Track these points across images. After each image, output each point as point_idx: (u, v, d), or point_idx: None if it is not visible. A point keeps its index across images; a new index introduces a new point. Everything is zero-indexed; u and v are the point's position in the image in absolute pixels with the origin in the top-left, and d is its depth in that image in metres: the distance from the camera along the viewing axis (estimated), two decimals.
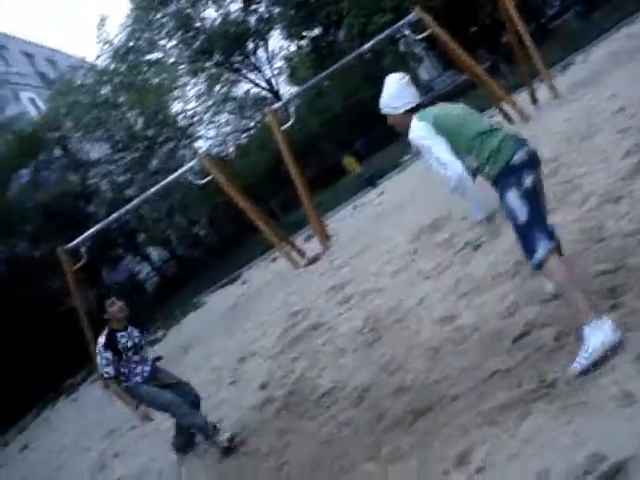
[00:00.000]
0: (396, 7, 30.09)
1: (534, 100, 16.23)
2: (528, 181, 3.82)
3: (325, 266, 12.23)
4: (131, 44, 39.17)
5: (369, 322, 6.85)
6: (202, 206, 38.48)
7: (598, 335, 3.54)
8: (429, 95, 32.61)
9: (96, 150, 38.81)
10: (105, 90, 35.94)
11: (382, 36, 16.88)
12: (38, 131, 31.30)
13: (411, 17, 15.58)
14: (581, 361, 3.56)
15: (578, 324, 3.70)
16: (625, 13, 22.39)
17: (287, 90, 47.12)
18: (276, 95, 43.92)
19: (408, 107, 4.18)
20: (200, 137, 45.38)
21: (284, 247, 14.76)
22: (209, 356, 10.98)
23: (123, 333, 6.14)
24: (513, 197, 3.81)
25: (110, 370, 5.96)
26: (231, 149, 49.24)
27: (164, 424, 8.47)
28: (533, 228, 3.78)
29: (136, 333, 6.30)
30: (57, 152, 36.45)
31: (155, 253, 42.56)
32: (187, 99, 43.68)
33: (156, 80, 38.09)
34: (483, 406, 3.82)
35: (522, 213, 3.78)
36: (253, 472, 5.24)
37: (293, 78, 48.81)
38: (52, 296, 30.42)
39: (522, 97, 17.63)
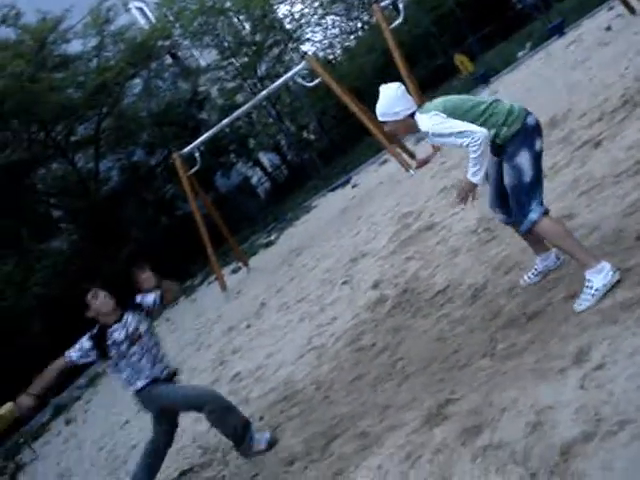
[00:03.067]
0: None
1: None
2: (538, 146, 4.13)
3: (436, 168, 12.07)
4: None
5: (483, 222, 6.77)
6: (311, 110, 38.42)
7: (599, 277, 3.84)
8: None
9: (205, 57, 39.09)
10: None
11: None
12: (148, 40, 31.68)
13: None
14: (587, 298, 3.85)
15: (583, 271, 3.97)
16: None
17: None
18: None
19: (408, 112, 4.34)
20: (307, 40, 44.88)
21: (394, 149, 14.59)
22: (321, 258, 11.17)
23: (116, 326, 4.87)
24: (525, 157, 4.06)
25: (74, 356, 4.81)
26: (338, 52, 48.56)
27: (279, 321, 8.77)
28: (533, 190, 4.09)
29: (131, 318, 4.94)
30: (168, 60, 36.96)
31: (266, 158, 43.09)
32: (293, 2, 43.06)
33: None
34: (602, 304, 3.74)
35: (529, 174, 4.07)
36: (368, 367, 5.37)
37: None
38: (169, 201, 31.59)
39: None
